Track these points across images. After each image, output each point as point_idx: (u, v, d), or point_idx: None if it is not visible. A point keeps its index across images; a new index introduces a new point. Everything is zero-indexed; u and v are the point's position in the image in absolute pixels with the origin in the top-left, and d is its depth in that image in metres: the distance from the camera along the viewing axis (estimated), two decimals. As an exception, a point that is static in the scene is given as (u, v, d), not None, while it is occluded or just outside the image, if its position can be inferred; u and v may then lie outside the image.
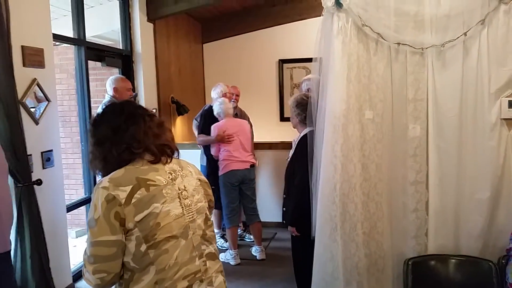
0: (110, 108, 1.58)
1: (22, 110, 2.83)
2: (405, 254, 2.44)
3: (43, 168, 3.06)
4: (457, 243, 2.41)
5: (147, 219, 1.37)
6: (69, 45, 4.11)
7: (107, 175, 1.45)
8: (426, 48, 2.32)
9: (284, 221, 3.00)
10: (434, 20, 2.31)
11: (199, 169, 1.71)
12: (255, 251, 4.20)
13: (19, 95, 2.80)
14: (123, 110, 1.52)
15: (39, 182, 2.89)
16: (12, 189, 2.71)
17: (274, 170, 4.78)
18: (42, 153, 3.05)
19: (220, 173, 4.11)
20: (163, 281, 1.39)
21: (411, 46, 2.33)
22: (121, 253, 1.38)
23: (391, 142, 2.40)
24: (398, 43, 2.33)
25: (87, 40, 3.89)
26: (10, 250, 2.31)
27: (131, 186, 1.38)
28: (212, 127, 4.13)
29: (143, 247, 1.38)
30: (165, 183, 1.44)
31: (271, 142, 4.90)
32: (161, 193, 1.42)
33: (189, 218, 1.48)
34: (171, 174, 1.49)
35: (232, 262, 4.07)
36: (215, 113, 4.17)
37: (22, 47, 2.87)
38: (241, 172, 4.09)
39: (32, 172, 2.88)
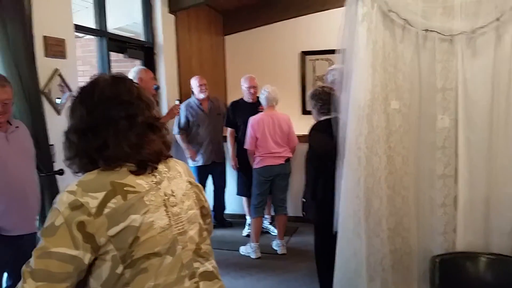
0: (83, 93, 1.25)
1: (44, 100, 2.85)
2: (432, 251, 2.34)
3: (65, 158, 3.08)
4: (487, 240, 2.30)
5: (124, 234, 1.11)
6: (91, 37, 4.13)
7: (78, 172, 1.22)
8: (456, 35, 2.21)
9: (304, 213, 2.96)
10: (464, 5, 2.19)
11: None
12: (276, 245, 4.15)
13: (41, 85, 2.82)
14: (96, 103, 1.21)
15: (61, 172, 2.91)
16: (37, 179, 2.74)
17: (296, 163, 4.70)
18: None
19: (254, 166, 4.12)
20: None
21: (439, 33, 2.22)
22: (76, 276, 1.10)
23: (418, 134, 2.30)
24: (426, 30, 2.22)
25: (108, 31, 3.89)
26: (36, 232, 2.36)
27: (104, 193, 1.12)
28: (250, 119, 4.10)
29: (120, 269, 1.11)
30: (147, 189, 1.18)
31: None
32: (141, 201, 1.16)
33: (178, 230, 1.22)
34: (155, 177, 1.23)
35: (252, 256, 4.04)
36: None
37: (44, 37, 2.88)
38: (275, 167, 4.06)
39: (54, 162, 2.90)
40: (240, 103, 4.56)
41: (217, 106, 4.71)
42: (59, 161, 2.99)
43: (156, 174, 1.23)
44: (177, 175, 1.31)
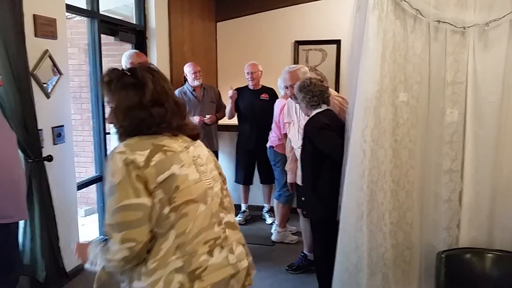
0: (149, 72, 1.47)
1: (33, 82, 2.70)
2: (434, 246, 2.31)
3: (54, 144, 2.95)
4: (491, 236, 2.27)
5: (169, 180, 1.36)
6: (81, 18, 3.95)
7: (123, 131, 1.44)
8: (468, 27, 2.15)
9: (304, 212, 2.91)
10: (479, -3, 2.13)
11: None
12: (273, 229, 4.19)
13: (30, 67, 2.67)
14: (158, 80, 1.47)
15: (49, 158, 2.79)
16: (22, 164, 2.60)
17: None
18: (53, 128, 2.93)
19: None
20: (184, 245, 1.37)
21: (451, 25, 2.15)
22: (147, 219, 1.34)
23: (426, 127, 2.24)
24: (438, 21, 2.15)
25: (100, 13, 3.73)
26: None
27: (148, 150, 1.36)
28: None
29: (166, 210, 1.36)
30: (180, 150, 1.44)
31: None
32: (178, 157, 1.41)
33: (207, 184, 1.48)
34: (184, 143, 1.49)
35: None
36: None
37: (34, 16, 2.73)
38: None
39: (42, 147, 2.78)
40: (242, 89, 4.49)
41: (211, 93, 4.59)
42: (47, 147, 2.86)
43: (184, 142, 1.49)
44: (200, 145, 1.58)
